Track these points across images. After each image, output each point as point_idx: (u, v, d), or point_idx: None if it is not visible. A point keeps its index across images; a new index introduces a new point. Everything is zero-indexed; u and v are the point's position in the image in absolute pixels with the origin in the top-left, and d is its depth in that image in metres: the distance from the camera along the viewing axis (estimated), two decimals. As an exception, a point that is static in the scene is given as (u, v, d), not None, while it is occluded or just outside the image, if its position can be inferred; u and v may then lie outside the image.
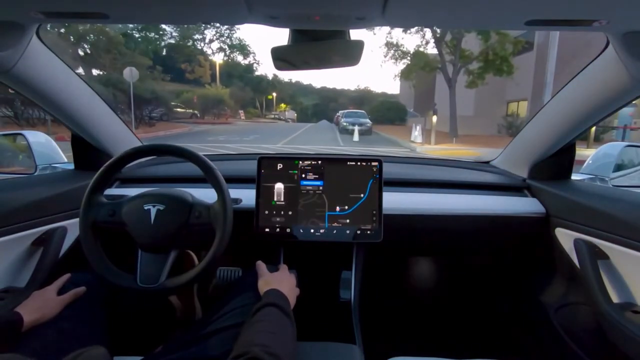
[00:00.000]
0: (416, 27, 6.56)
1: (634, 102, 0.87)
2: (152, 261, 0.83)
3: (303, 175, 1.05)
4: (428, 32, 13.25)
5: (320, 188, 1.05)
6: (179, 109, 22.47)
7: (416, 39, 38.55)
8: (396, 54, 15.07)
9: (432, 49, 13.68)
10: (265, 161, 1.05)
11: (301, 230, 1.03)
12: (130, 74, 11.92)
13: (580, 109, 0.96)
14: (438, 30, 12.04)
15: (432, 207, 1.13)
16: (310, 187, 1.05)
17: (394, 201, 1.11)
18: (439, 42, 12.77)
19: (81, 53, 19.14)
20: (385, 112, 24.51)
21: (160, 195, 0.87)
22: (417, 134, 11.37)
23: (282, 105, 49.16)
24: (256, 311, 0.68)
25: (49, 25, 11.43)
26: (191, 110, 24.22)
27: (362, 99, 50.04)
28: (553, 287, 1.13)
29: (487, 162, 1.47)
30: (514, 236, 1.23)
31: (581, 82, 0.94)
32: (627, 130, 8.75)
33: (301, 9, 0.60)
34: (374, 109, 25.31)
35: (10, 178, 1.30)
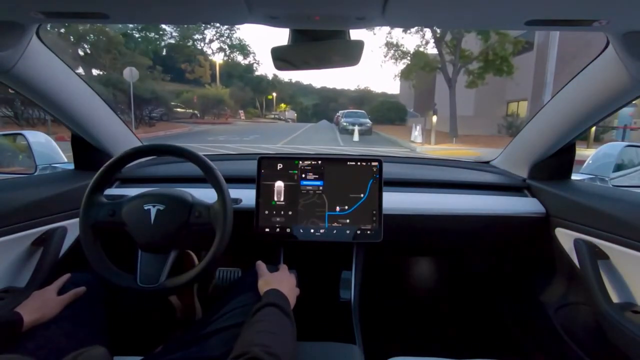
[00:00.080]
0: (416, 27, 6.56)
1: (634, 102, 0.86)
2: (152, 261, 0.83)
3: (303, 175, 1.05)
4: (428, 32, 13.25)
5: (320, 188, 1.05)
6: (179, 109, 22.47)
7: (416, 39, 38.59)
8: (396, 54, 15.07)
9: (432, 49, 13.69)
10: (265, 161, 1.05)
11: (301, 230, 1.03)
12: (130, 74, 11.92)
13: (580, 109, 0.96)
14: (438, 30, 12.03)
15: (432, 207, 1.13)
16: (310, 187, 1.05)
17: (394, 201, 1.11)
18: (439, 42, 12.76)
19: (81, 53, 19.15)
20: (385, 112, 24.50)
21: (160, 195, 0.87)
22: (417, 134, 11.36)
23: (282, 105, 49.16)
24: (256, 311, 0.68)
25: (49, 25, 11.43)
26: (191, 110, 24.22)
27: (362, 99, 50.09)
28: (553, 287, 1.13)
29: (487, 162, 1.47)
30: (514, 236, 1.23)
31: (581, 82, 0.94)
32: (627, 130, 8.74)
33: (301, 9, 0.60)
34: (374, 109, 25.30)
35: (10, 178, 1.30)
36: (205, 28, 36.02)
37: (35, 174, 1.32)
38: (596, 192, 1.05)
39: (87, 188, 0.84)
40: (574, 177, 1.20)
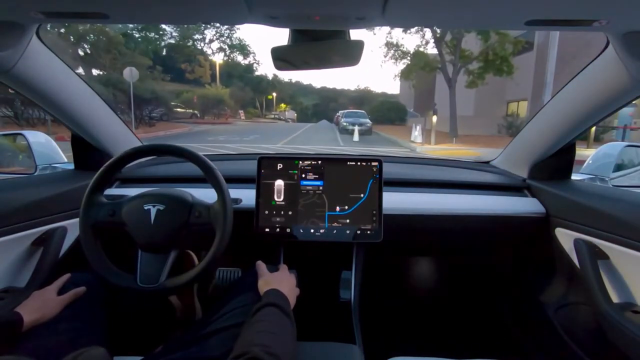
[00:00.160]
0: (416, 27, 6.56)
1: (634, 102, 0.86)
2: (152, 261, 0.83)
3: (303, 175, 1.05)
4: (428, 32, 13.25)
5: (320, 188, 1.05)
6: (179, 109, 22.47)
7: (416, 39, 38.64)
8: (396, 54, 15.07)
9: (432, 49, 13.69)
10: (265, 161, 1.05)
11: (301, 230, 1.03)
12: (130, 74, 11.92)
13: (580, 109, 0.96)
14: (438, 30, 12.03)
15: (432, 207, 1.13)
16: (310, 187, 1.05)
17: (394, 201, 1.11)
18: (439, 42, 12.76)
19: (81, 53, 19.15)
20: (385, 112, 24.50)
21: (160, 195, 0.87)
22: (417, 134, 11.36)
23: (282, 105, 49.16)
24: (256, 311, 0.68)
25: (49, 25, 11.43)
26: (191, 110, 24.22)
27: (362, 99, 50.09)
28: (553, 287, 1.13)
29: (487, 162, 1.47)
30: (514, 236, 1.23)
31: (581, 82, 0.94)
32: (627, 130, 8.74)
33: (301, 9, 0.60)
34: (374, 109, 25.30)
35: (10, 178, 1.30)
36: (205, 28, 36.07)
37: (35, 174, 1.32)
38: (596, 192, 1.05)
39: (87, 188, 0.84)
40: (574, 177, 1.20)
